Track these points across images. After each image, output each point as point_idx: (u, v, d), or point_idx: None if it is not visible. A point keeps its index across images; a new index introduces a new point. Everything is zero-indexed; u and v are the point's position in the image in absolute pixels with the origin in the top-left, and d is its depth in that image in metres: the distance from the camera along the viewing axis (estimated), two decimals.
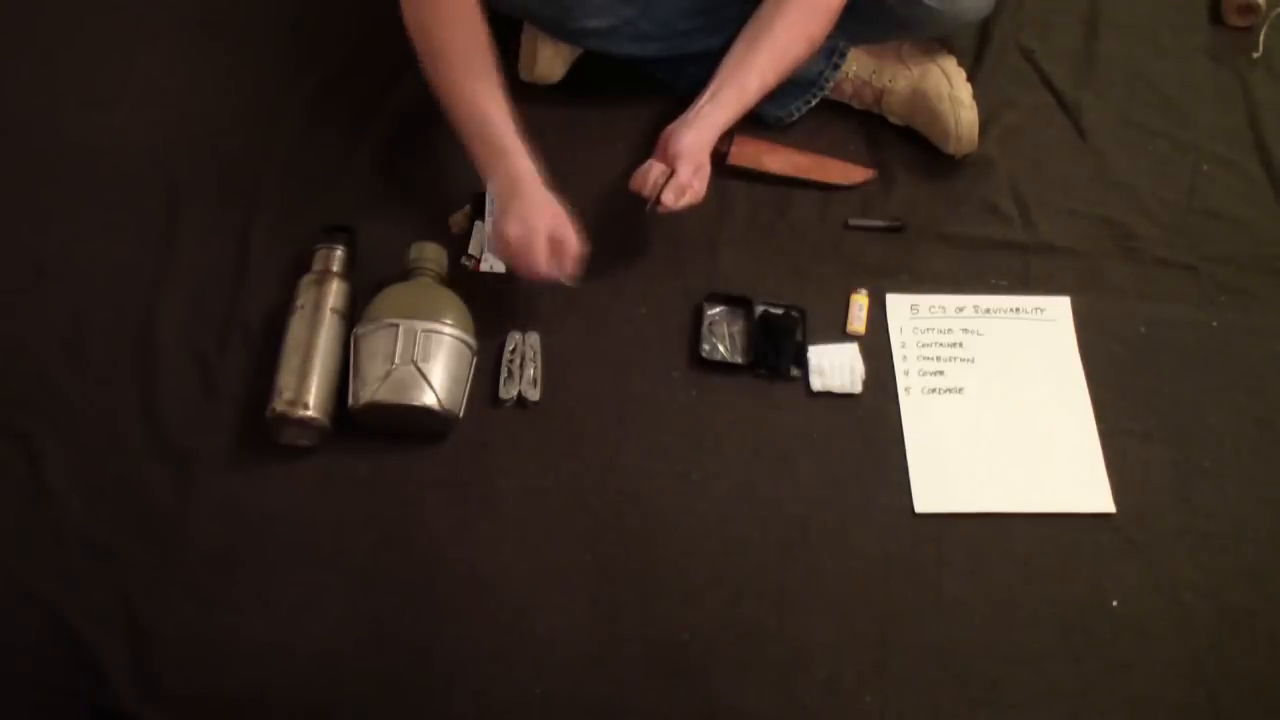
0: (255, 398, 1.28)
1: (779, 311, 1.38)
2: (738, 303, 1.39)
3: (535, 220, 1.29)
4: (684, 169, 1.31)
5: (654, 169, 1.33)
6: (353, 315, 1.33)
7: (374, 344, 1.27)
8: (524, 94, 1.53)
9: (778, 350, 1.35)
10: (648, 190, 1.33)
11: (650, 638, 1.19)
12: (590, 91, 1.54)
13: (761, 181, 1.49)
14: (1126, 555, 1.25)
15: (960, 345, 1.38)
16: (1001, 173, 1.51)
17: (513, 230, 1.29)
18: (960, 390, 1.35)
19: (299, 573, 1.22)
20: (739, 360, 1.36)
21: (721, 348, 1.36)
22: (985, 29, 1.62)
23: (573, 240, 1.31)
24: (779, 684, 1.18)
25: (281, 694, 1.17)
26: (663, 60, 1.49)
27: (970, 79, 1.50)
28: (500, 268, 1.41)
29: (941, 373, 1.36)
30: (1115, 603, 1.22)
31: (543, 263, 1.29)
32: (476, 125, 1.33)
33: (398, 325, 1.26)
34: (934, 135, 1.50)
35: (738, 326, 1.38)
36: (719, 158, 1.48)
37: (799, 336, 1.37)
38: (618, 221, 1.45)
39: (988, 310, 1.41)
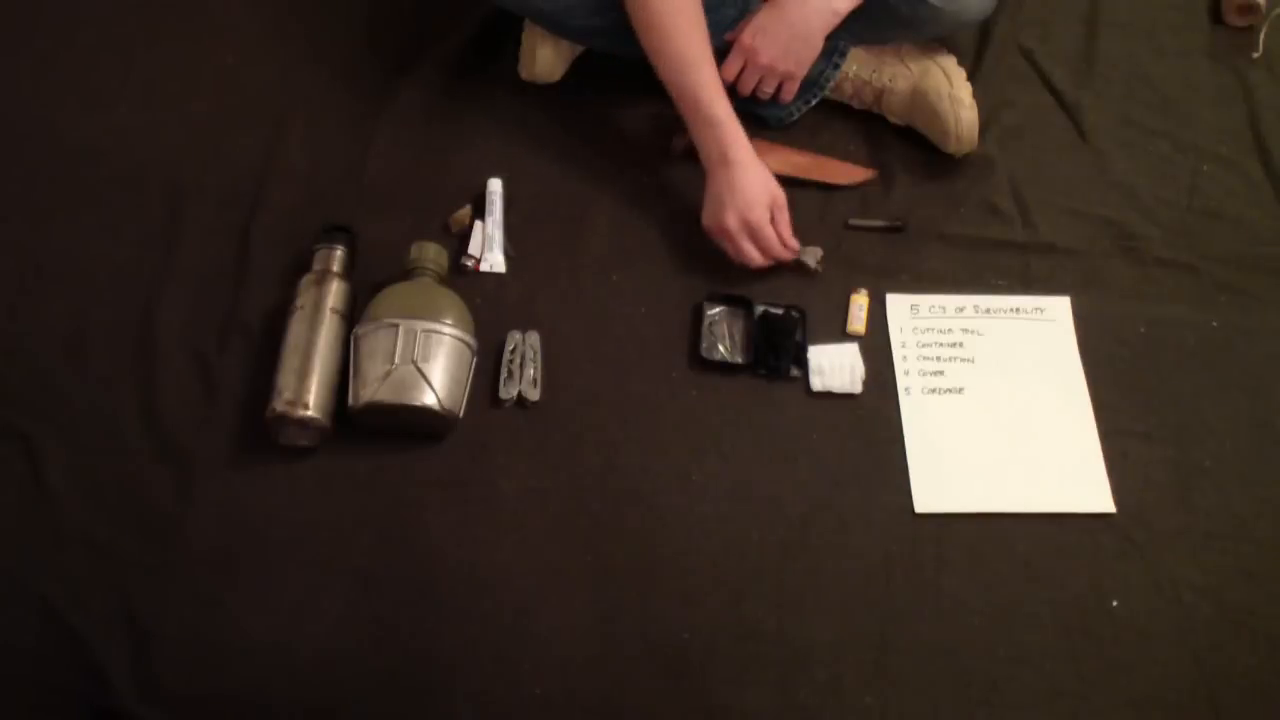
0: (255, 398, 1.28)
1: (779, 311, 1.38)
2: (738, 303, 1.39)
3: (754, 209, 1.33)
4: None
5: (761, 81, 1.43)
6: (353, 315, 1.33)
7: (374, 344, 1.27)
8: (524, 94, 1.54)
9: (777, 350, 1.35)
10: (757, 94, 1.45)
11: (650, 638, 1.19)
12: (590, 91, 1.54)
13: None
14: (1126, 555, 1.25)
15: (960, 345, 1.38)
16: (1001, 173, 1.51)
17: (731, 221, 1.33)
18: (960, 390, 1.35)
19: (299, 573, 1.22)
20: (739, 360, 1.36)
21: (721, 348, 1.36)
22: (985, 29, 1.62)
23: (785, 219, 1.36)
24: (779, 684, 1.18)
25: (281, 694, 1.16)
26: None
27: (970, 79, 1.50)
28: (500, 268, 1.41)
29: (941, 373, 1.36)
30: (1115, 603, 1.22)
31: (776, 247, 1.35)
32: (682, 87, 1.34)
33: (398, 325, 1.26)
34: (934, 135, 1.50)
35: (738, 326, 1.38)
36: None
37: (799, 336, 1.36)
38: (618, 221, 1.45)
39: (988, 310, 1.41)
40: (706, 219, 1.38)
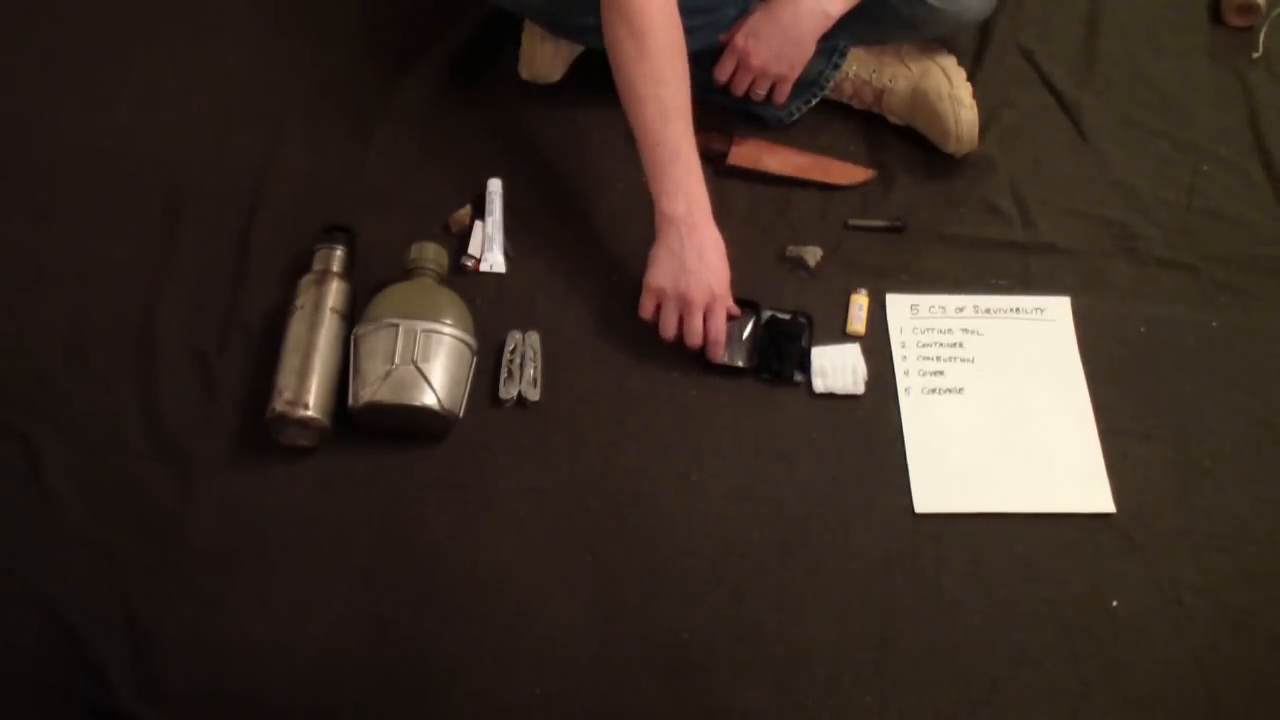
0: (255, 398, 1.28)
1: (786, 316, 1.37)
2: (744, 305, 1.38)
3: (723, 283, 1.29)
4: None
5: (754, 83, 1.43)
6: (353, 315, 1.33)
7: (374, 344, 1.27)
8: (524, 94, 1.55)
9: (781, 355, 1.34)
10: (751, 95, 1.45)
11: (650, 638, 1.19)
12: (590, 91, 1.54)
13: (761, 181, 1.49)
14: (1126, 555, 1.25)
15: (960, 345, 1.38)
16: (1001, 173, 1.51)
17: (697, 292, 1.27)
18: (960, 390, 1.35)
19: (299, 573, 1.22)
20: (740, 364, 1.35)
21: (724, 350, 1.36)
22: (985, 29, 1.62)
23: (730, 298, 1.32)
24: (779, 684, 1.18)
25: (281, 694, 1.17)
26: None
27: (970, 79, 1.50)
28: (500, 268, 1.41)
29: (941, 373, 1.36)
30: (1115, 603, 1.22)
31: (723, 330, 1.30)
32: (663, 136, 1.27)
33: (398, 325, 1.26)
34: (934, 135, 1.50)
35: (741, 329, 1.37)
36: (718, 158, 1.49)
37: (804, 342, 1.36)
38: (617, 221, 1.45)
39: (988, 310, 1.41)
40: (661, 279, 1.28)
